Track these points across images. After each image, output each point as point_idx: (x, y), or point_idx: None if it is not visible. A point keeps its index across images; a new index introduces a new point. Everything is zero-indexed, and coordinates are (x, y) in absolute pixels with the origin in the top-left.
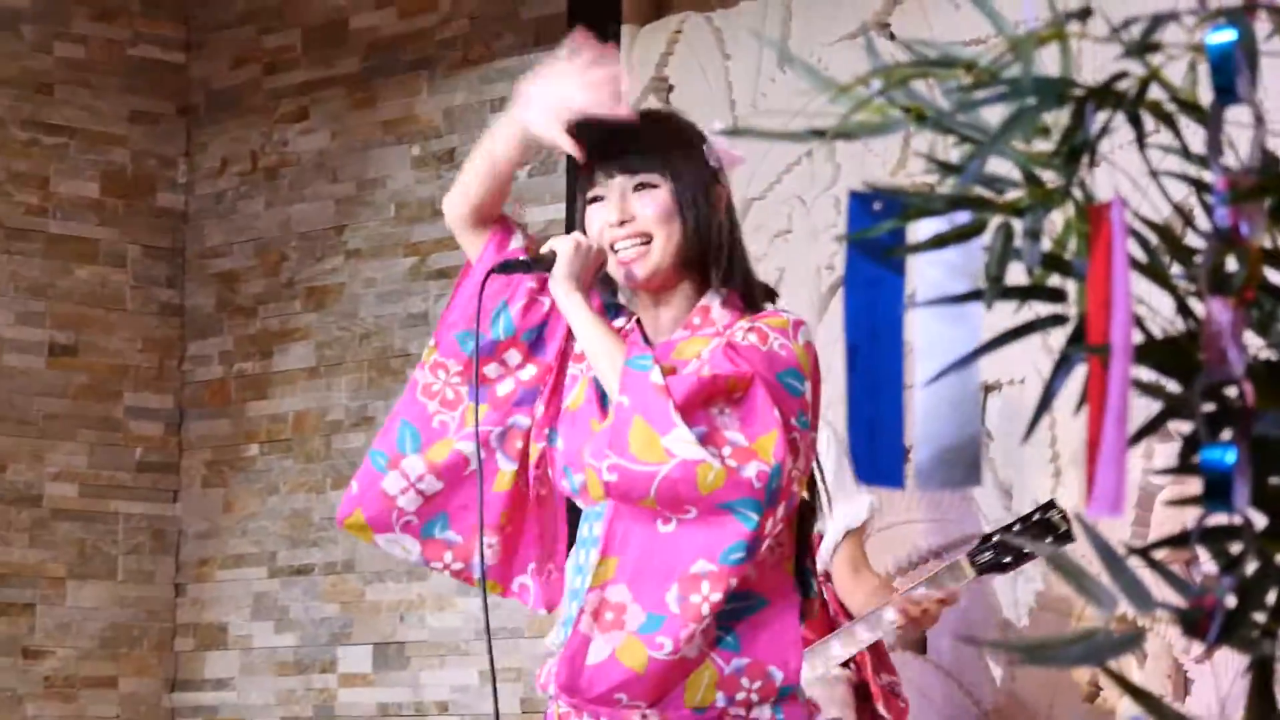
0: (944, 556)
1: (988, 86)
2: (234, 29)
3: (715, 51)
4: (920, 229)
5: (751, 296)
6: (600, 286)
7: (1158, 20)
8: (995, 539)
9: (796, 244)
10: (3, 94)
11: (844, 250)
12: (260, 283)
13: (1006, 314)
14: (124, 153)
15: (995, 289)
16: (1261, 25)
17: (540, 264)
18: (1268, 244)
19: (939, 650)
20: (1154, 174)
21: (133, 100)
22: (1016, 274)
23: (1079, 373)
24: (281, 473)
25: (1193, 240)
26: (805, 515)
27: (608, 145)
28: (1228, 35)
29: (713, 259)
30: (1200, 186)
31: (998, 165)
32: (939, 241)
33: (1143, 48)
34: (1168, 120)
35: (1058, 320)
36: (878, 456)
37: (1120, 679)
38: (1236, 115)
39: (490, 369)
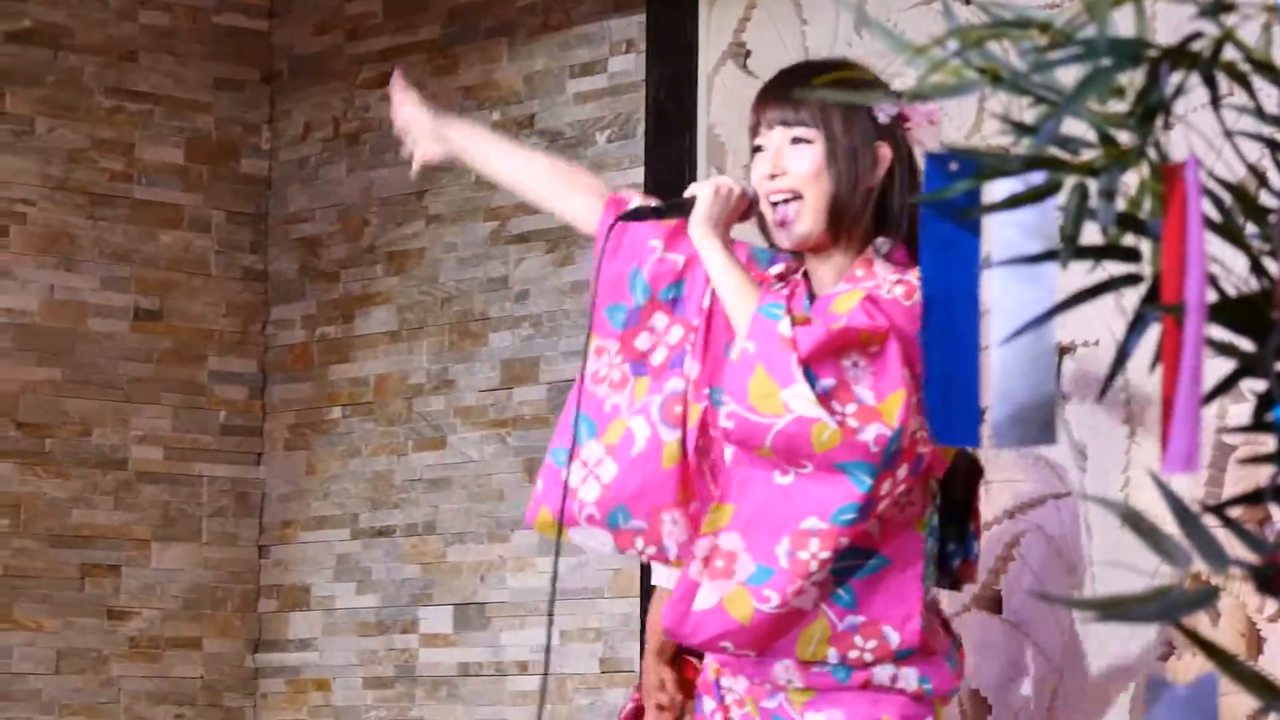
0: (1017, 518)
1: (1062, 47)
2: None
3: (793, 17)
4: (995, 190)
5: (914, 249)
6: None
7: None
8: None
9: None
10: (88, 61)
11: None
12: (342, 248)
13: (1081, 274)
14: (208, 119)
15: (1070, 249)
16: None
17: (674, 209)
18: None
19: (1011, 606)
20: (1228, 134)
21: (216, 67)
22: (1091, 234)
23: (1153, 333)
24: (363, 435)
25: (1267, 200)
26: (965, 472)
27: (772, 93)
28: None
29: (861, 218)
30: (1274, 146)
31: (1073, 126)
32: (1014, 202)
33: (1217, 8)
34: (1242, 81)
35: (1132, 280)
36: (953, 414)
37: (1194, 636)
38: None
39: (641, 340)
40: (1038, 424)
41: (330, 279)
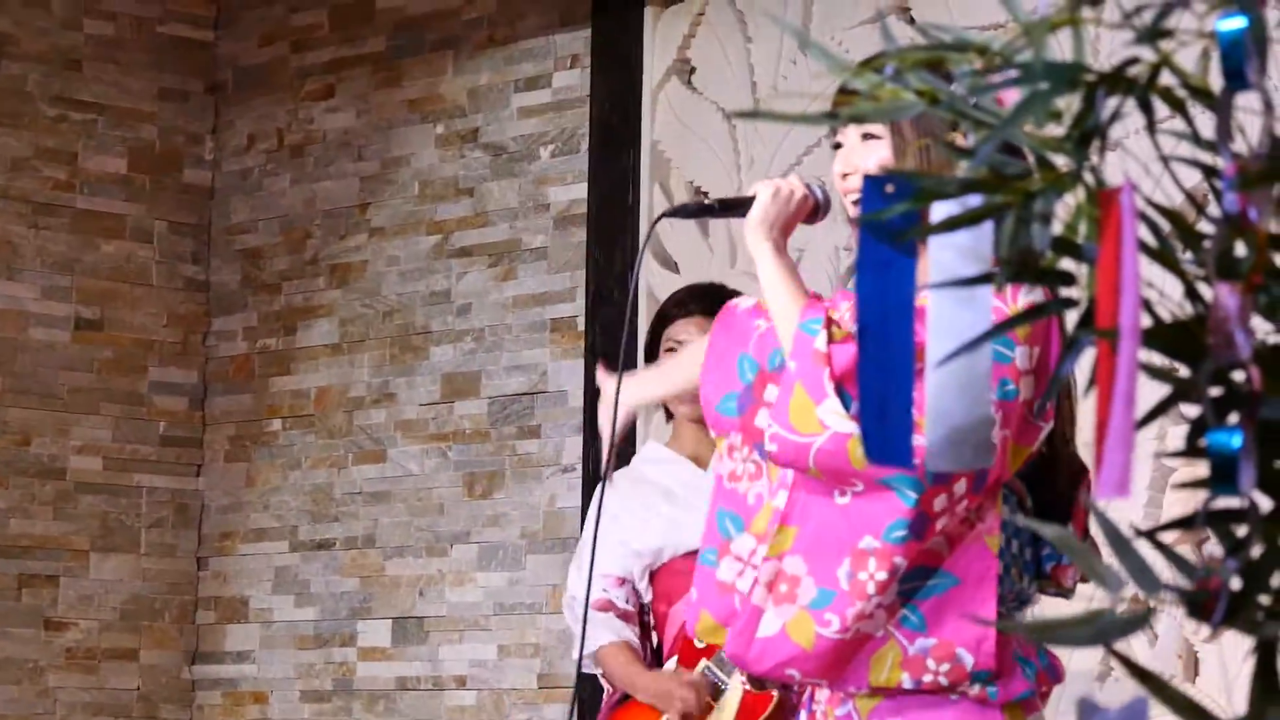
0: None
1: (1000, 71)
2: (261, 7)
3: (737, 34)
4: (933, 212)
5: None
6: None
7: (1169, 6)
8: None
9: (816, 225)
10: (32, 70)
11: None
12: (284, 259)
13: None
14: (152, 129)
15: (1006, 272)
16: (1272, 12)
17: (733, 208)
18: (1276, 229)
19: None
20: (1164, 159)
21: (161, 77)
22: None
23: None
24: (304, 448)
25: (1203, 226)
26: (1068, 468)
27: (848, 89)
28: (1238, 22)
29: None
30: (1210, 172)
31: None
32: (951, 224)
33: (1154, 34)
34: (1179, 106)
35: (1068, 304)
36: (888, 436)
37: (1125, 660)
38: (1247, 101)
39: (760, 418)
40: (973, 446)
41: (272, 291)
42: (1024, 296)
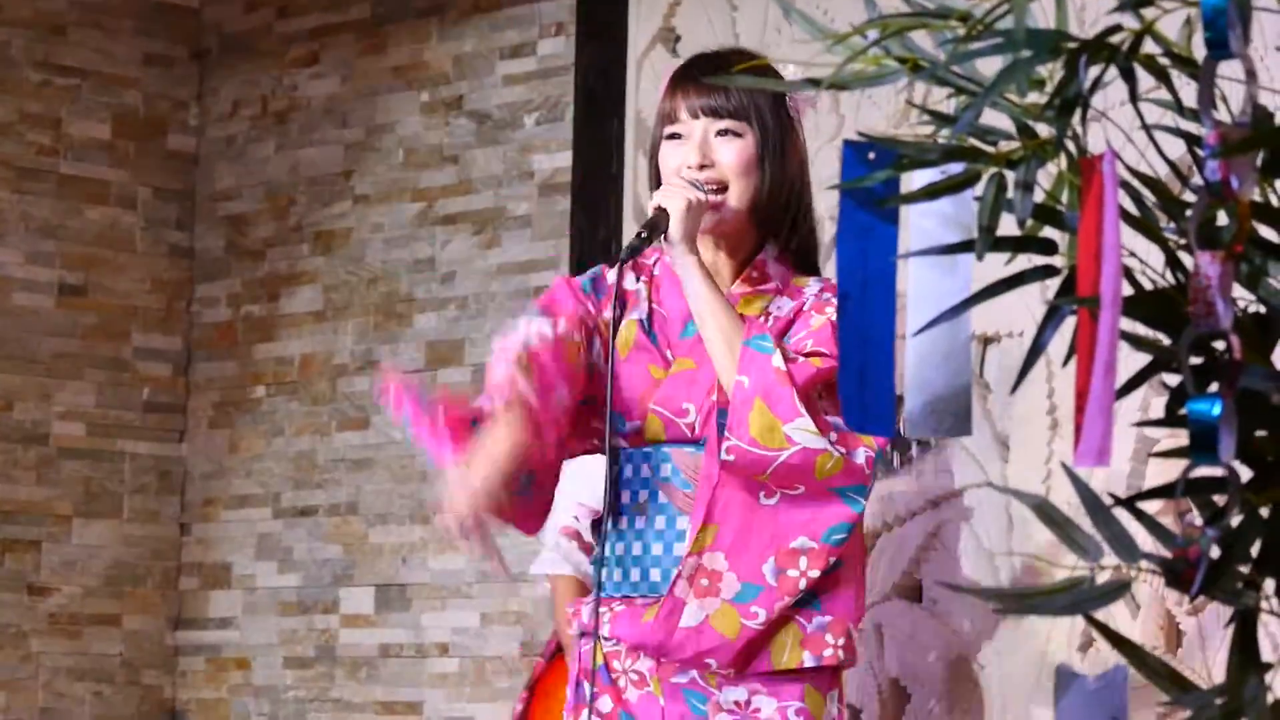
0: (941, 506)
1: (982, 39)
2: None
3: (723, 2)
4: (915, 179)
5: (807, 254)
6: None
7: None
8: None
9: None
10: (16, 35)
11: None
12: (269, 226)
13: (999, 265)
14: (136, 95)
15: (986, 240)
16: None
17: (656, 230)
18: (1257, 198)
19: (930, 595)
20: (1146, 128)
21: (145, 43)
22: (1009, 225)
23: (1071, 324)
24: (287, 415)
25: (1186, 195)
26: None
27: (696, 81)
28: None
29: (785, 215)
30: (1193, 141)
31: (992, 117)
32: (932, 192)
33: (1137, 1)
34: (1161, 75)
35: (1049, 272)
36: (868, 404)
37: (1104, 629)
38: (1230, 70)
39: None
40: (953, 415)
41: (256, 257)
42: None
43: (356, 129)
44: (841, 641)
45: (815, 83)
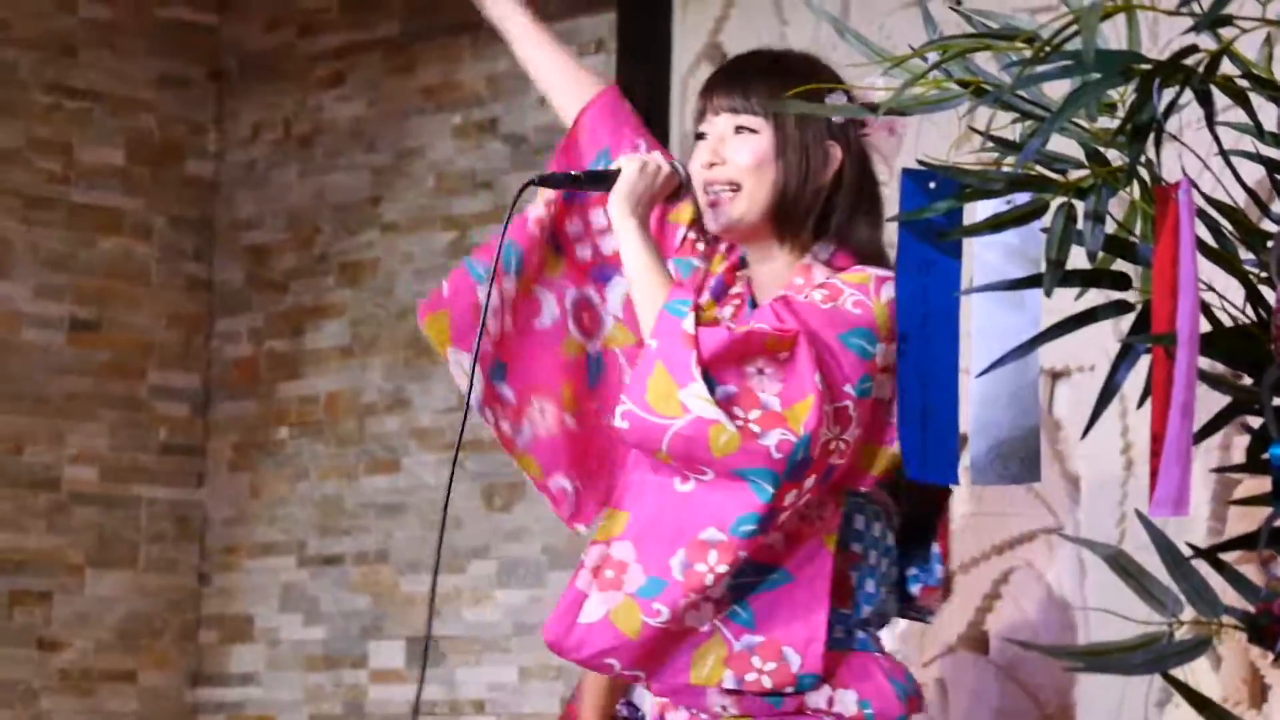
0: (1005, 553)
1: (1049, 61)
2: None
3: (772, 16)
4: (978, 210)
5: (863, 258)
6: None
7: None
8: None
9: None
10: (24, 56)
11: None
12: (292, 257)
13: (1068, 299)
14: (151, 119)
15: (1055, 274)
16: None
17: (600, 181)
18: None
19: (998, 647)
20: (1224, 153)
21: (161, 63)
22: (1078, 258)
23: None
24: (312, 457)
25: (1266, 225)
26: (931, 486)
27: (722, 80)
28: None
29: (811, 219)
30: (1274, 167)
31: (1060, 143)
32: (996, 223)
33: (1214, 20)
34: (1240, 97)
35: (1121, 308)
36: (929, 449)
37: (1184, 688)
38: None
39: (572, 226)
40: (1020, 459)
41: (279, 290)
42: (885, 292)
43: (384, 153)
44: (772, 667)
45: (872, 108)
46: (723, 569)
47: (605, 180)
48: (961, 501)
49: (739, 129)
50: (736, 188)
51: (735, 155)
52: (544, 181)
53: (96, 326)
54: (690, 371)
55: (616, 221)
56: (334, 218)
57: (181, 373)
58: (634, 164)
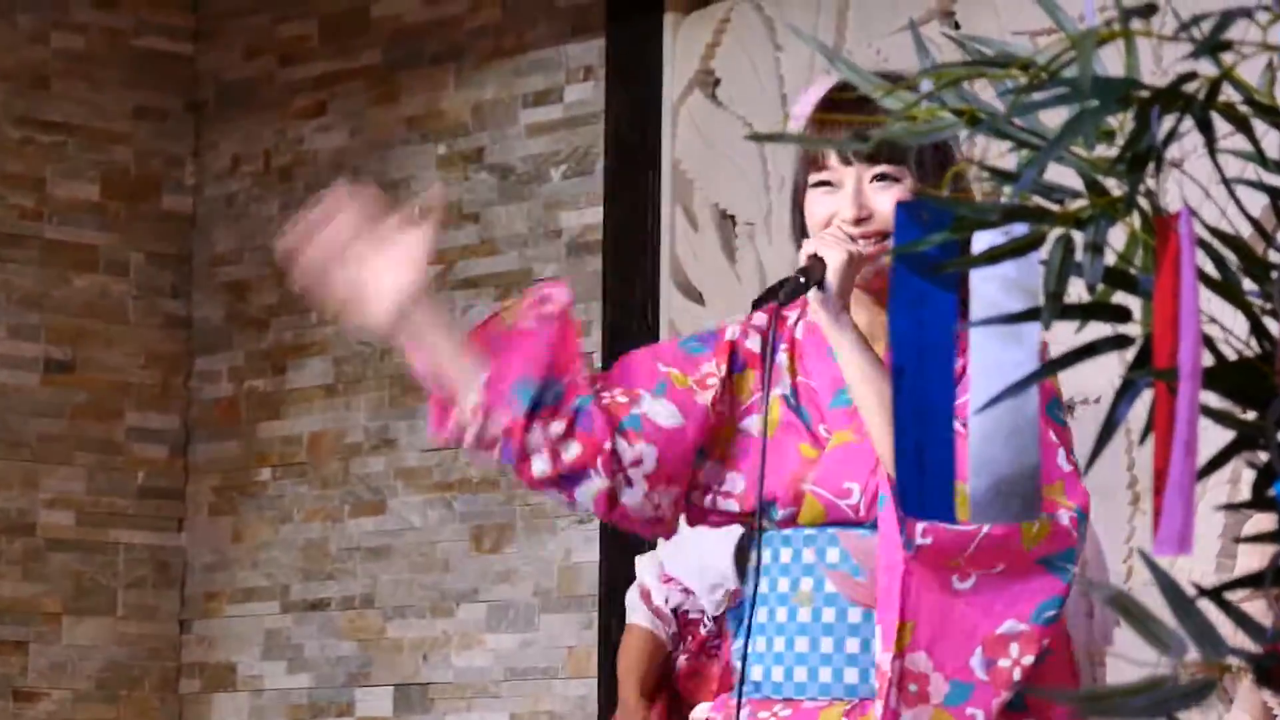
0: None
1: (1046, 88)
2: (246, 17)
3: (766, 42)
4: (975, 242)
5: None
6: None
7: (1228, 16)
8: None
9: None
10: None
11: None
12: (273, 293)
13: (1068, 333)
14: (126, 151)
15: (1054, 307)
16: None
17: (808, 282)
18: None
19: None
20: (1227, 182)
21: (136, 95)
22: (1078, 290)
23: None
24: (295, 499)
25: (1271, 255)
26: None
27: (839, 127)
28: None
29: None
30: (1276, 195)
31: (1058, 173)
32: (993, 255)
33: (1214, 46)
34: (1242, 124)
35: (1122, 342)
36: (926, 488)
37: None
38: None
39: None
40: (1020, 497)
41: (260, 327)
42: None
43: (368, 185)
44: None
45: (864, 139)
46: (1028, 660)
47: (812, 277)
48: None
49: (879, 177)
50: (884, 238)
51: (882, 206)
52: (763, 300)
53: (72, 367)
54: None
55: (833, 321)
56: None
57: (160, 413)
58: (840, 256)
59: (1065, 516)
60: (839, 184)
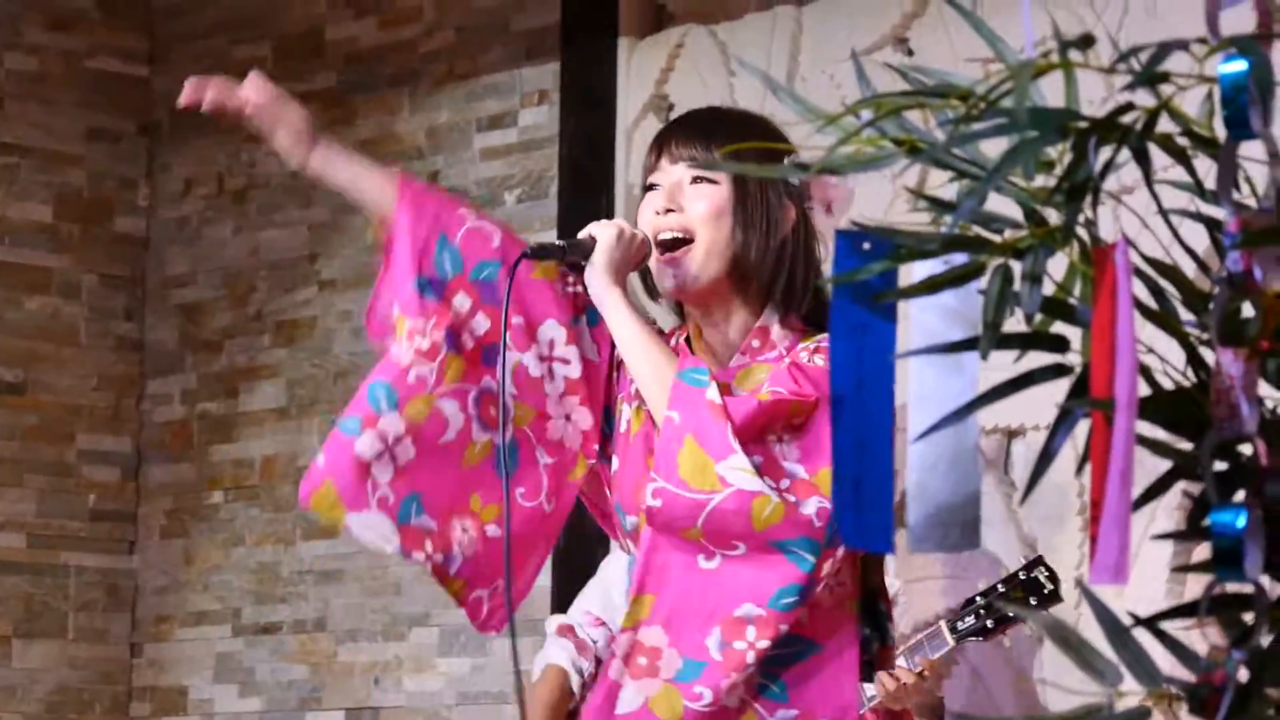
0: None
1: (985, 119)
2: (200, 40)
3: (720, 67)
4: (914, 271)
5: (818, 319)
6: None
7: (1164, 49)
8: (978, 602)
9: None
10: None
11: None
12: (226, 315)
13: (1008, 362)
14: (80, 173)
15: (992, 337)
16: (1277, 55)
17: (577, 250)
18: None
19: (954, 714)
20: (1164, 213)
21: (90, 116)
22: (1018, 320)
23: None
24: (247, 522)
25: (1206, 285)
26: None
27: (682, 131)
28: (1239, 65)
29: (769, 278)
30: (1215, 226)
31: (998, 203)
32: (933, 285)
33: (1150, 78)
34: (1179, 155)
35: (1060, 371)
36: (864, 516)
37: None
38: (1252, 151)
39: (456, 319)
40: (959, 526)
41: (213, 349)
42: None
43: (321, 208)
44: None
45: (804, 168)
46: (763, 644)
47: (582, 249)
48: (919, 565)
49: (697, 179)
50: (689, 239)
51: (692, 204)
52: (535, 254)
53: (23, 389)
54: (727, 443)
55: (600, 294)
56: (270, 275)
57: (111, 436)
58: (609, 230)
59: (813, 506)
60: (663, 183)
